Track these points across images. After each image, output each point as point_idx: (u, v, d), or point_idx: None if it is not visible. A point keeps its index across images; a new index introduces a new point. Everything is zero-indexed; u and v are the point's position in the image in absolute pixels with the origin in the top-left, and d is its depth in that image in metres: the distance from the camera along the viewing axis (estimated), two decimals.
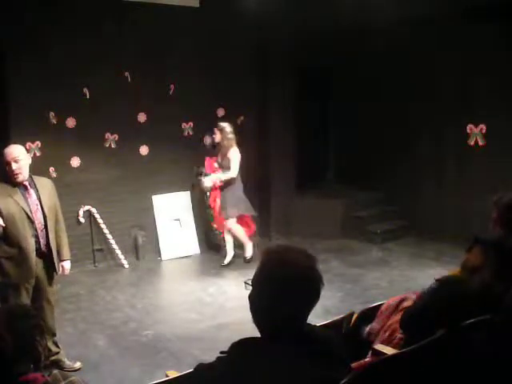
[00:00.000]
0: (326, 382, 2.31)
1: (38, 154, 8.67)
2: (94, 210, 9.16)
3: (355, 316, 4.28)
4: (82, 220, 9.05)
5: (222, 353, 2.39)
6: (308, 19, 9.61)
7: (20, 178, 5.27)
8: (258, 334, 2.43)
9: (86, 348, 6.33)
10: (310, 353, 2.32)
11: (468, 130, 9.56)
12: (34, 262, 5.37)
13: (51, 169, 8.82)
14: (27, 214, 5.30)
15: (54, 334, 5.74)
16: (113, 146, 9.27)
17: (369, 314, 4.31)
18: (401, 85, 10.25)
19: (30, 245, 5.34)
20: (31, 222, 5.34)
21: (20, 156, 5.27)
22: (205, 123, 10.06)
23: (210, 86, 9.89)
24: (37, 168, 8.62)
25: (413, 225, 10.40)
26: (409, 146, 10.36)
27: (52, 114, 8.73)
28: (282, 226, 10.69)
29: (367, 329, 4.14)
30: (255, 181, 10.80)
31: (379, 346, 3.69)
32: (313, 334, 2.43)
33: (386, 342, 3.82)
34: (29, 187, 5.37)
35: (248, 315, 2.41)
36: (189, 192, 10.00)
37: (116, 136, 9.23)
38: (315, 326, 2.53)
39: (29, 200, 5.36)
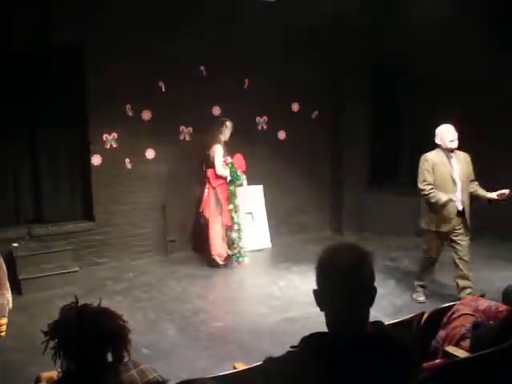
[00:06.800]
0: (397, 382, 2.28)
1: (114, 146, 8.85)
2: (167, 202, 9.28)
3: (425, 316, 4.22)
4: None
5: (292, 347, 2.39)
6: (384, 17, 9.57)
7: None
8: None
9: (157, 336, 6.42)
10: (380, 351, 2.30)
11: None
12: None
13: (127, 160, 8.99)
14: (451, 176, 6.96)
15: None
16: (187, 139, 9.37)
17: (439, 315, 4.24)
18: (473, 82, 10.02)
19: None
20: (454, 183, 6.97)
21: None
22: (279, 117, 10.09)
23: (285, 81, 9.89)
24: (113, 159, 8.87)
25: (488, 225, 10.14)
26: (482, 145, 10.09)
27: (128, 106, 8.89)
28: (354, 222, 10.63)
29: (434, 342, 4.05)
30: (329, 176, 10.77)
31: (451, 349, 3.62)
32: (384, 332, 2.40)
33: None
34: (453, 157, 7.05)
35: (318, 310, 2.40)
36: (261, 186, 10.03)
37: (190, 129, 9.33)
38: (385, 324, 2.49)
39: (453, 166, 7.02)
